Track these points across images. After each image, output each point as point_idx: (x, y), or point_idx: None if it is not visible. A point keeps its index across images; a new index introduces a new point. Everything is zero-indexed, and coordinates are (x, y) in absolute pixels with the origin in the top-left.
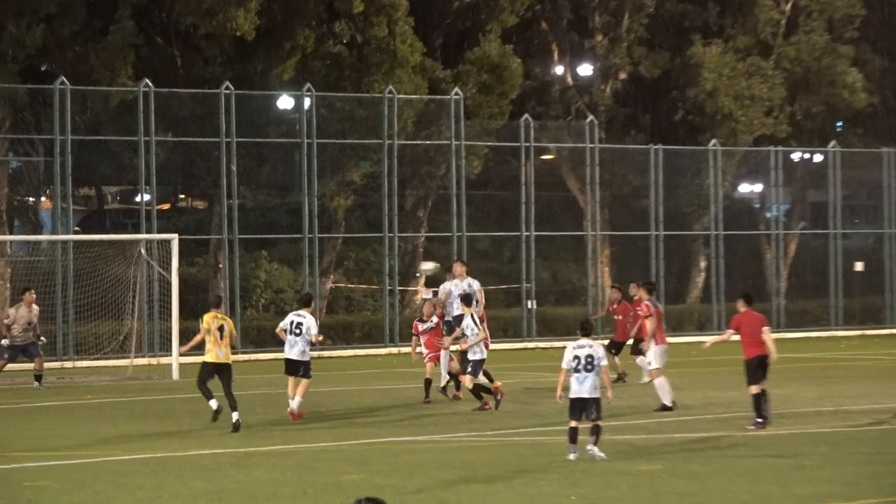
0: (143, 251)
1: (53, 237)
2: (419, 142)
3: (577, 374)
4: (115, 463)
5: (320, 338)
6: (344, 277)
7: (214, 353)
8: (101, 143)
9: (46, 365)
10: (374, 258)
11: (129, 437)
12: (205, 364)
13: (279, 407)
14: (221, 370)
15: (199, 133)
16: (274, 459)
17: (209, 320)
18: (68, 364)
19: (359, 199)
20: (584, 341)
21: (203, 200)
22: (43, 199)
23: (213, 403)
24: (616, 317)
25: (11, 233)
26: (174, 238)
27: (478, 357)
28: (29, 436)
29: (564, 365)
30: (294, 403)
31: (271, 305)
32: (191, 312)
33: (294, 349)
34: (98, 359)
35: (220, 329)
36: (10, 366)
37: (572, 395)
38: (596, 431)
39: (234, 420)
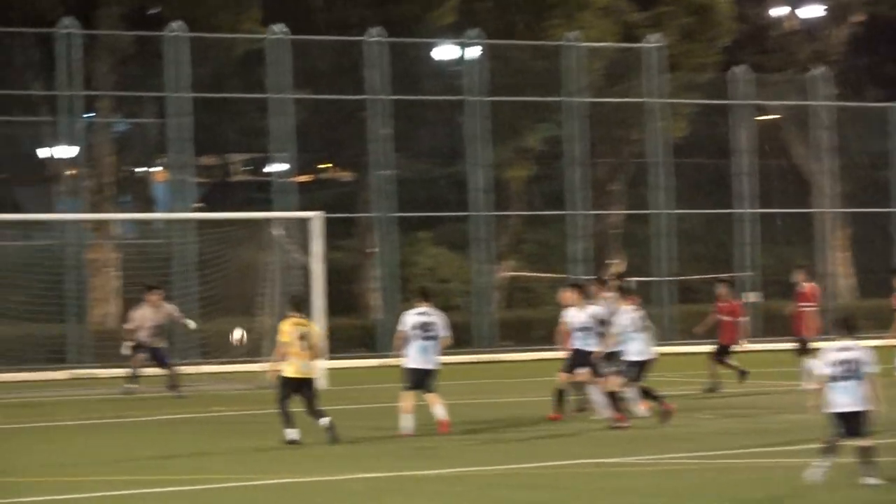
0: (278, 232)
1: (169, 215)
2: (610, 99)
3: (839, 384)
4: (248, 489)
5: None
6: (523, 264)
7: (296, 365)
8: (225, 101)
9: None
10: (558, 241)
11: (264, 458)
12: (284, 380)
13: (456, 423)
14: (303, 386)
15: (344, 89)
16: (441, 486)
17: (289, 328)
18: (192, 369)
19: (539, 169)
20: (847, 342)
21: (350, 171)
22: (156, 169)
23: (291, 433)
24: (722, 317)
25: (119, 210)
26: (316, 216)
27: (633, 357)
28: (147, 455)
29: (821, 371)
30: (440, 411)
31: (435, 298)
32: (338, 307)
33: (427, 357)
34: (227, 363)
35: (303, 337)
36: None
37: (836, 409)
38: (869, 454)
39: (325, 424)
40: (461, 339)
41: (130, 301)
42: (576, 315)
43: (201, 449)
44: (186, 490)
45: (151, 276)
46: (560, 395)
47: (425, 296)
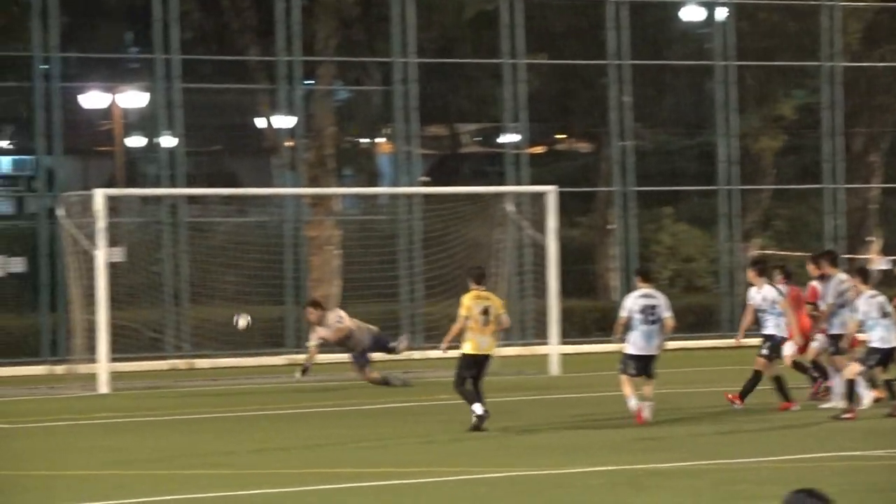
0: (510, 208)
1: (394, 190)
2: (870, 64)
3: None
4: (475, 483)
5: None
6: (773, 242)
7: (476, 342)
8: (454, 67)
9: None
10: (812, 217)
11: (490, 448)
12: (464, 357)
13: (696, 412)
14: (482, 363)
15: (581, 54)
16: (681, 480)
17: (469, 302)
18: (416, 354)
19: (791, 140)
20: None
21: (587, 142)
22: (380, 140)
23: (478, 408)
24: None
25: (340, 184)
26: (551, 191)
27: (875, 345)
28: (364, 444)
29: None
30: (647, 410)
31: (678, 279)
32: (574, 288)
33: (652, 342)
34: (452, 347)
35: (485, 312)
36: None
37: None
38: None
39: (479, 412)
40: (705, 322)
41: (349, 282)
42: (754, 296)
43: (424, 438)
44: (408, 484)
45: (374, 254)
46: (778, 382)
47: (646, 276)
